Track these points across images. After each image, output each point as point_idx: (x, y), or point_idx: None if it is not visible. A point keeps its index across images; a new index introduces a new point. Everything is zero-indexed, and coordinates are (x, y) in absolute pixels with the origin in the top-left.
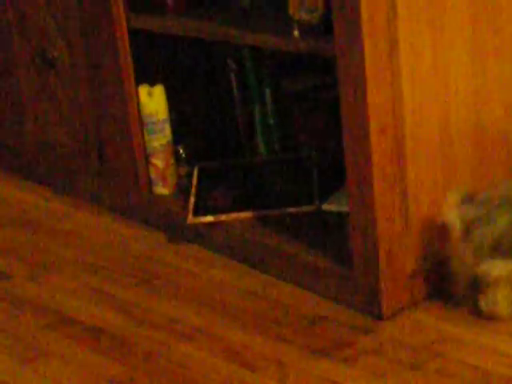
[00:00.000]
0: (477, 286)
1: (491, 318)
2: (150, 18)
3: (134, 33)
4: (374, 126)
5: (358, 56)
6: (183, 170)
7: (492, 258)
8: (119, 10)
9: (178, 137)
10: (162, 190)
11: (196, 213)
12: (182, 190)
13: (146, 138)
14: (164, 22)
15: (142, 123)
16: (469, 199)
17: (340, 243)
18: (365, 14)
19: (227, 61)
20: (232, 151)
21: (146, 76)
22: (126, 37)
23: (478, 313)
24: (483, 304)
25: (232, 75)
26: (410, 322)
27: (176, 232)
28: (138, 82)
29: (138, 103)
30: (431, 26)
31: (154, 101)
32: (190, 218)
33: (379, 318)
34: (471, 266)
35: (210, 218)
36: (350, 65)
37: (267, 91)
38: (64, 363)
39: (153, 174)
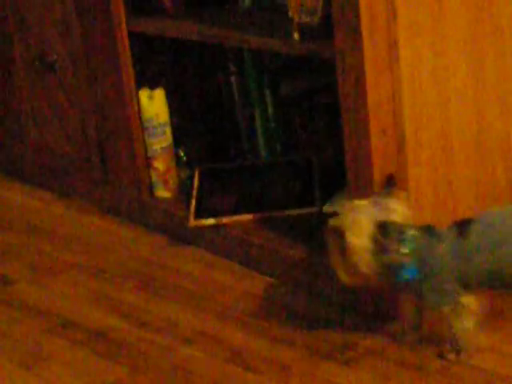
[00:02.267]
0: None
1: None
2: (150, 21)
3: (134, 36)
4: (374, 127)
5: (357, 58)
6: (184, 173)
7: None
8: (119, 13)
9: (178, 140)
10: (163, 193)
11: (197, 215)
12: (183, 193)
13: (147, 141)
14: (163, 24)
15: (142, 127)
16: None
17: None
18: (364, 17)
19: (227, 64)
20: (233, 154)
21: (146, 79)
22: (126, 40)
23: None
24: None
25: (232, 78)
26: None
27: (177, 235)
28: (139, 86)
29: (139, 107)
30: (431, 27)
31: (154, 104)
32: (192, 221)
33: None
34: None
35: (211, 221)
36: (349, 67)
37: (267, 94)
38: (65, 367)
39: (154, 177)
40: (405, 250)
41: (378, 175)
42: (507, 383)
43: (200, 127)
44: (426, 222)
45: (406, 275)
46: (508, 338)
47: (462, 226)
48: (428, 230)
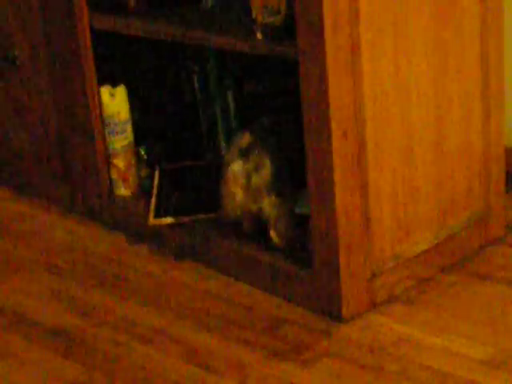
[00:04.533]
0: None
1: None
2: (112, 19)
3: (96, 33)
4: (335, 129)
5: (320, 59)
6: (145, 172)
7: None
8: (82, 10)
9: (139, 138)
10: (123, 191)
11: (157, 214)
12: (143, 192)
13: (108, 138)
14: (126, 22)
15: (103, 124)
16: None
17: (301, 246)
18: (328, 17)
19: (190, 63)
20: (194, 153)
21: (108, 77)
22: (89, 37)
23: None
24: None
25: (194, 77)
26: (369, 325)
27: (137, 233)
28: (100, 83)
29: (100, 104)
30: (393, 31)
31: (115, 102)
32: (151, 220)
33: (339, 320)
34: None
35: (170, 220)
36: (311, 68)
37: (229, 93)
38: (23, 365)
39: (114, 175)
40: None
41: (338, 177)
42: (458, 380)
43: (161, 126)
44: None
45: None
46: (466, 340)
47: None
48: None
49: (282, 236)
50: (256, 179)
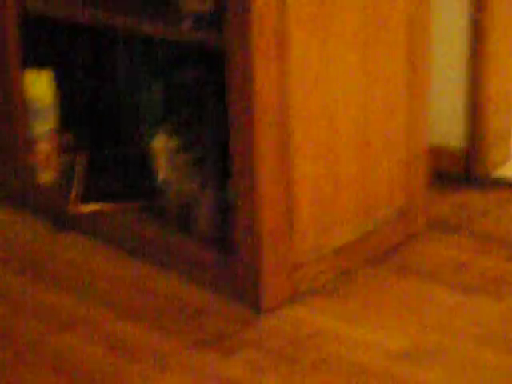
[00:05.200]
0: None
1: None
2: (40, 2)
3: (23, 15)
4: (260, 119)
5: (246, 49)
6: (68, 158)
7: None
8: None
9: (64, 124)
10: (45, 177)
11: (80, 201)
12: (66, 179)
13: (31, 123)
14: (53, 5)
15: (26, 108)
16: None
17: (224, 234)
18: (254, 7)
19: (117, 49)
20: (119, 140)
21: (35, 61)
22: (15, 19)
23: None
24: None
25: (121, 64)
26: (290, 316)
27: (59, 220)
28: (26, 66)
29: (25, 87)
30: (321, 23)
31: (40, 86)
32: (74, 207)
33: (259, 310)
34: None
35: (93, 207)
36: (238, 57)
37: (156, 82)
38: None
39: (36, 161)
40: None
41: (262, 167)
42: (383, 377)
43: (86, 112)
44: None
45: None
46: (385, 331)
47: None
48: None
49: (206, 224)
50: (178, 159)
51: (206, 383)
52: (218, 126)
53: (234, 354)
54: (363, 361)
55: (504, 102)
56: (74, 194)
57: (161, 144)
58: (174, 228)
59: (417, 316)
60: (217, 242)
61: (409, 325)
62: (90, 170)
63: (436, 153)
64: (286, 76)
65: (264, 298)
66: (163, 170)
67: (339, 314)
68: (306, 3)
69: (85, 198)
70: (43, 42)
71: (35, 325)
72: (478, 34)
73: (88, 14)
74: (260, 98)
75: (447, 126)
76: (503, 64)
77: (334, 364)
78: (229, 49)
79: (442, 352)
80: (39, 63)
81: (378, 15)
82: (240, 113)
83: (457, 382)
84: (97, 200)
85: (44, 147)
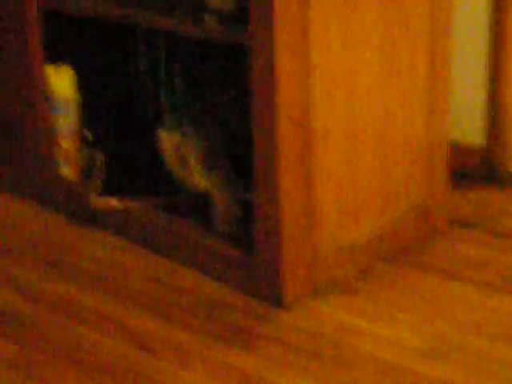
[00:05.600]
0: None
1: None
2: None
3: (44, 11)
4: (282, 115)
5: (269, 46)
6: (90, 153)
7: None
8: None
9: (85, 119)
10: (67, 171)
11: (101, 196)
12: (87, 173)
13: (54, 118)
14: (74, 2)
15: (49, 103)
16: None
17: (244, 230)
18: (278, 5)
19: (138, 45)
20: (140, 136)
21: (55, 56)
22: (36, 15)
23: None
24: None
25: (143, 60)
26: (309, 311)
27: (81, 215)
28: (47, 62)
29: (46, 83)
30: (343, 20)
31: (62, 81)
32: (95, 201)
33: (279, 305)
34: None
35: (114, 202)
36: (261, 54)
37: (177, 78)
38: None
39: (59, 156)
40: None
41: (283, 163)
42: (402, 374)
43: (108, 107)
44: None
45: None
46: (405, 327)
47: None
48: None
49: (224, 220)
50: (185, 149)
51: (226, 378)
52: (235, 121)
53: (254, 349)
54: (384, 357)
55: None
56: (95, 188)
57: (164, 139)
58: (195, 224)
59: (436, 313)
60: (237, 237)
61: (428, 322)
62: (111, 166)
63: (456, 149)
64: (308, 72)
65: (284, 293)
66: (172, 166)
67: (359, 311)
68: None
69: (106, 193)
70: (64, 38)
71: (52, 317)
72: (499, 28)
73: (110, 9)
74: (283, 94)
75: (468, 122)
76: None
77: (354, 360)
78: (252, 45)
79: (462, 349)
80: (60, 59)
81: (400, 7)
82: (263, 109)
83: (476, 379)
84: (118, 195)
85: (66, 142)
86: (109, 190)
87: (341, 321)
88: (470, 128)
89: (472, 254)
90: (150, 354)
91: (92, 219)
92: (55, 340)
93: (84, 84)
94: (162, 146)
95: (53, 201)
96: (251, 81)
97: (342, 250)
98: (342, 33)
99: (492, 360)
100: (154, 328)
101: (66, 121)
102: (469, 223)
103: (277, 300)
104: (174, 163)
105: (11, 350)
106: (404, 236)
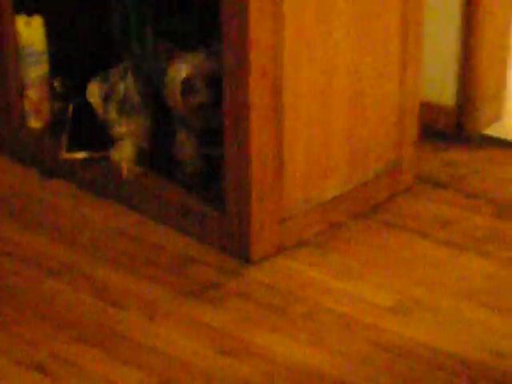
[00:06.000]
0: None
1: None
2: None
3: None
4: (254, 69)
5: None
6: (58, 105)
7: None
8: None
9: (54, 70)
10: (35, 123)
11: (69, 149)
12: (55, 125)
13: (22, 69)
14: None
15: (17, 54)
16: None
17: (213, 186)
18: None
19: None
20: None
21: (24, 6)
22: None
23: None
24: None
25: (115, 13)
26: (278, 268)
27: (48, 167)
28: (16, 12)
29: (15, 33)
30: None
31: (31, 32)
32: (63, 154)
33: (248, 261)
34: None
35: (83, 155)
36: (233, 7)
37: (148, 29)
38: None
39: (27, 107)
40: None
41: (254, 118)
42: (368, 329)
43: (77, 59)
44: None
45: None
46: (371, 286)
47: None
48: None
49: (191, 173)
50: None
51: (194, 332)
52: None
53: (222, 304)
54: (350, 313)
55: (498, 59)
56: (64, 141)
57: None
58: (162, 177)
59: (403, 271)
60: (205, 192)
61: (395, 279)
62: (80, 117)
63: (428, 109)
64: (280, 26)
65: (253, 249)
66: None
67: (327, 267)
68: None
69: (75, 146)
70: None
71: (22, 270)
72: None
73: None
74: (255, 47)
75: (440, 82)
76: (499, 18)
77: (321, 316)
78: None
79: (427, 307)
80: (30, 9)
81: None
82: (234, 63)
83: (440, 337)
84: (86, 147)
85: (35, 93)
86: (77, 142)
87: (309, 277)
88: (441, 88)
89: (441, 213)
90: (117, 307)
91: (59, 171)
92: (23, 293)
93: (54, 34)
94: (90, 99)
95: (21, 153)
96: (222, 33)
97: (312, 207)
98: None
99: (456, 318)
100: (123, 282)
101: (36, 72)
102: (439, 182)
103: (246, 256)
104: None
105: None
106: (373, 193)
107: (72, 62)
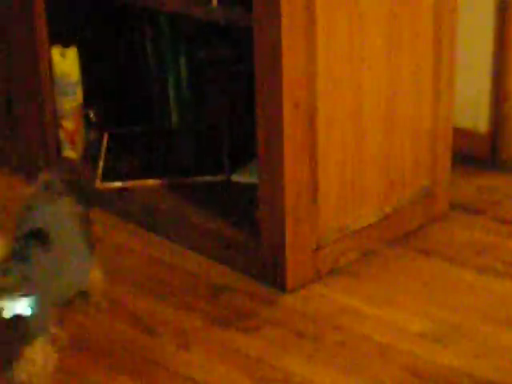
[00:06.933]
0: None
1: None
2: None
3: None
4: (287, 99)
5: (274, 28)
6: (93, 135)
7: None
8: None
9: (89, 101)
10: (70, 153)
11: (104, 178)
12: (90, 155)
13: (57, 99)
14: None
15: (53, 85)
16: None
17: (248, 214)
18: None
19: (143, 26)
20: (144, 118)
21: (60, 37)
22: None
23: None
24: None
25: (147, 41)
26: (313, 295)
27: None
28: (52, 43)
29: (51, 64)
30: (348, 3)
31: (66, 62)
32: (98, 183)
33: (283, 290)
34: None
35: (118, 184)
36: (266, 37)
37: (182, 59)
38: None
39: (62, 137)
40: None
41: (288, 147)
42: (403, 357)
43: (112, 89)
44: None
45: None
46: (407, 314)
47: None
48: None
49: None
50: None
51: (230, 360)
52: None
53: (256, 333)
54: (385, 341)
55: None
56: (99, 170)
57: None
58: (199, 207)
59: (439, 297)
60: (240, 221)
61: (431, 306)
62: (115, 147)
63: (462, 135)
64: (313, 56)
65: (288, 277)
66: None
67: (362, 295)
68: None
69: (110, 175)
70: (70, 20)
71: None
72: (505, 16)
73: None
74: (288, 77)
75: (473, 108)
76: None
77: (356, 344)
78: (257, 27)
79: (464, 334)
80: (66, 41)
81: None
82: (267, 92)
83: (476, 364)
84: (121, 177)
85: (70, 123)
86: (113, 171)
87: (343, 305)
88: (475, 114)
89: (475, 240)
90: (151, 335)
91: (96, 200)
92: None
93: (89, 65)
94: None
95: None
96: (255, 64)
97: (346, 233)
98: (348, 15)
99: (493, 345)
100: (156, 310)
101: (71, 102)
102: (472, 209)
103: (280, 284)
104: None
105: None
106: (407, 220)
107: (106, 93)
